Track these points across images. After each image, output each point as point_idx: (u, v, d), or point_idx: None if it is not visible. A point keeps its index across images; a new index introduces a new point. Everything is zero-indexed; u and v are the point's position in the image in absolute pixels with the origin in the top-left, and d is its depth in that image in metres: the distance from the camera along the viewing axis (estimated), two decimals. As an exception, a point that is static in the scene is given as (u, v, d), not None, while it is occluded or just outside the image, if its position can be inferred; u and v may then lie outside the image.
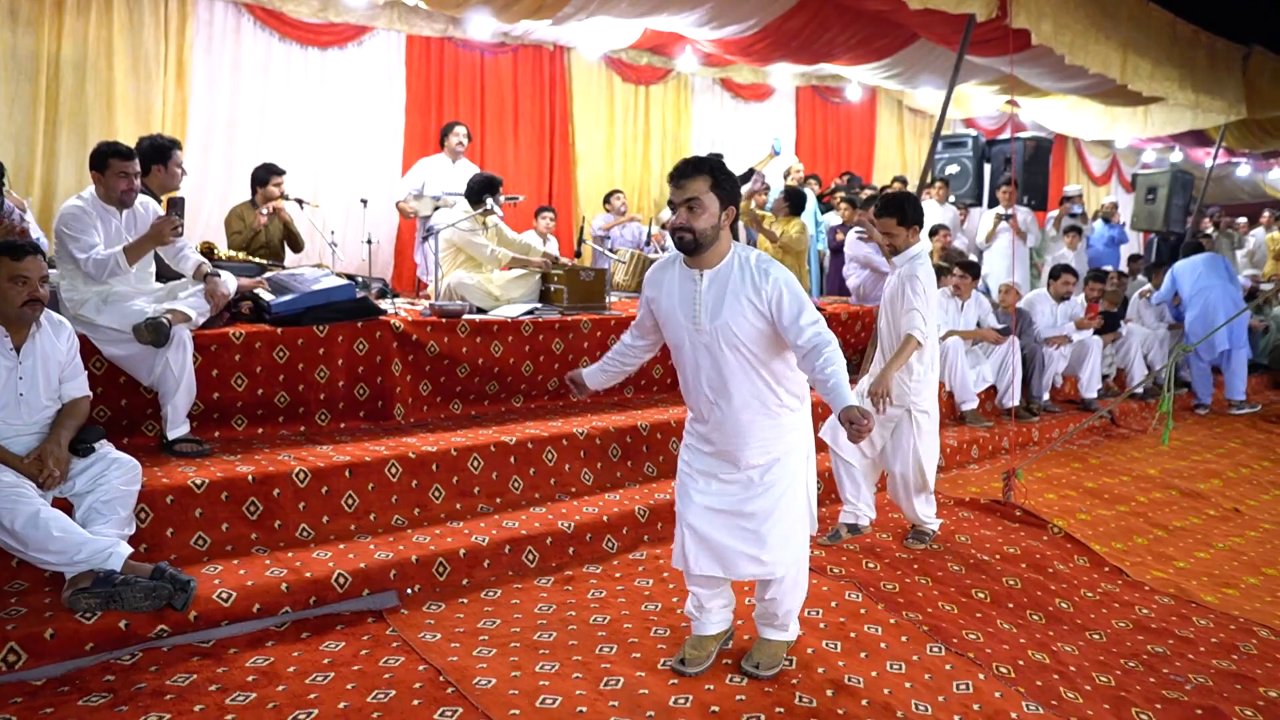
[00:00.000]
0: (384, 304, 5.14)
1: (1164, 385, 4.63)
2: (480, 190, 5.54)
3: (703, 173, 2.65)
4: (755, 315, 2.67)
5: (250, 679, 2.79)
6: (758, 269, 2.69)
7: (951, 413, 6.56)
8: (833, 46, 6.83)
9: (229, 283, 4.18)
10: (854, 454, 4.23)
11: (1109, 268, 9.41)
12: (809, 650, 3.17)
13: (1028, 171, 9.20)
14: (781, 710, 2.79)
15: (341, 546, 3.52)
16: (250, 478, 3.53)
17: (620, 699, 2.79)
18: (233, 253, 5.79)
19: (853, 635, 3.33)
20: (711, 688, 2.89)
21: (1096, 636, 3.63)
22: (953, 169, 9.33)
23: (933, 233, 8.26)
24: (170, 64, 6.45)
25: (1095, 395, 7.06)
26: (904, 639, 3.36)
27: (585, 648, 3.11)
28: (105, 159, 3.90)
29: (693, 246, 2.66)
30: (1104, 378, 7.45)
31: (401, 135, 7.69)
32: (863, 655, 3.20)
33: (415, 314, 4.99)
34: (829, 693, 2.92)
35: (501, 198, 5.75)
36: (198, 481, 3.41)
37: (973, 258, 8.41)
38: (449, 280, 5.50)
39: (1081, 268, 8.70)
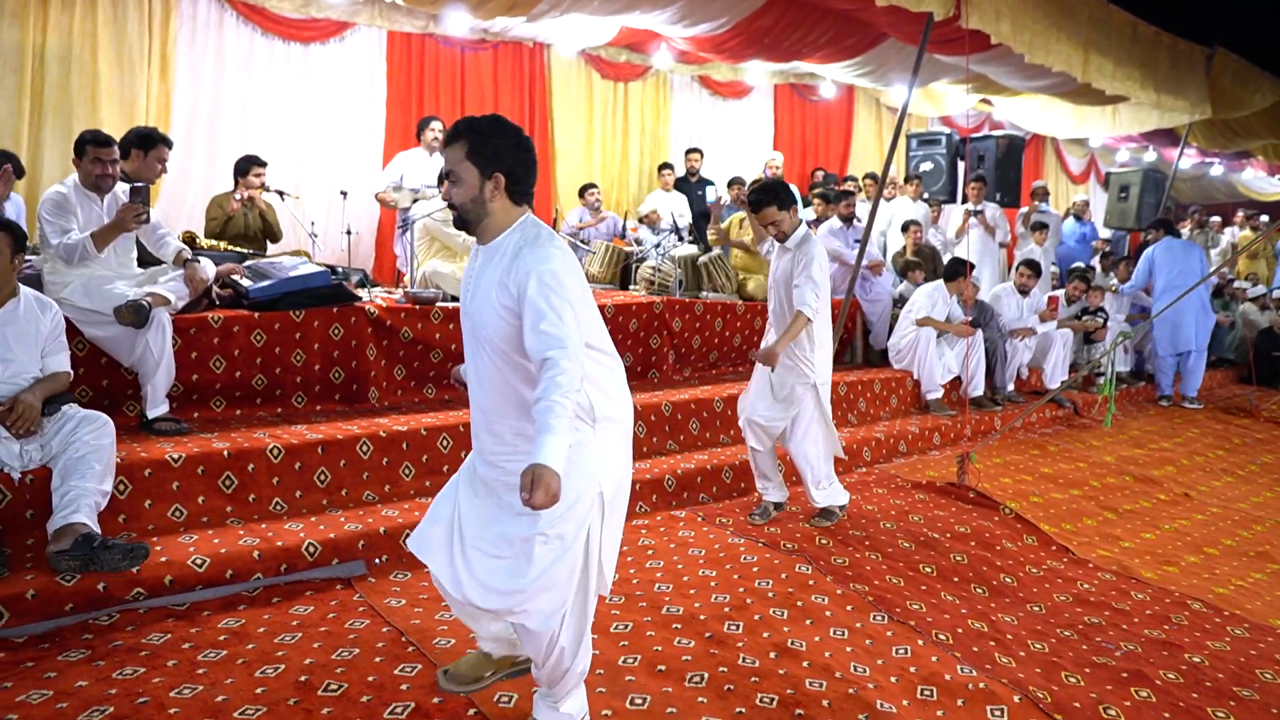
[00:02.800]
0: (362, 293, 5.28)
1: (1107, 370, 4.81)
2: (441, 179, 5.71)
3: (459, 140, 2.24)
4: (501, 306, 2.20)
5: (222, 638, 2.94)
6: (514, 251, 2.22)
7: (916, 401, 6.75)
8: (803, 45, 7.00)
9: (208, 268, 4.32)
10: (759, 442, 4.37)
11: (1080, 263, 9.62)
12: (755, 617, 3.34)
13: (1000, 169, 9.38)
14: (725, 669, 2.96)
15: (313, 519, 3.68)
16: (226, 453, 3.68)
17: (572, 658, 2.95)
18: (213, 241, 5.93)
19: (799, 604, 3.50)
20: (660, 649, 3.05)
21: (1036, 608, 3.81)
22: (927, 166, 9.51)
23: (905, 228, 8.47)
24: (154, 57, 6.57)
25: (1060, 386, 7.26)
26: (849, 608, 3.53)
27: (543, 613, 3.27)
28: (83, 145, 4.07)
29: (459, 222, 2.32)
30: (1072, 369, 7.64)
31: (383, 129, 7.81)
32: (807, 622, 3.37)
33: (391, 301, 5.14)
34: (772, 655, 3.09)
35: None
36: (175, 456, 3.56)
37: (952, 254, 8.62)
38: (424, 269, 5.65)
39: (1047, 263, 8.92)
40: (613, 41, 8.39)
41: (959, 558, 4.18)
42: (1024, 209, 10.14)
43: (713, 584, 3.62)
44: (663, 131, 9.84)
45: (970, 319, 6.85)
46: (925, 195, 9.33)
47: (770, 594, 3.56)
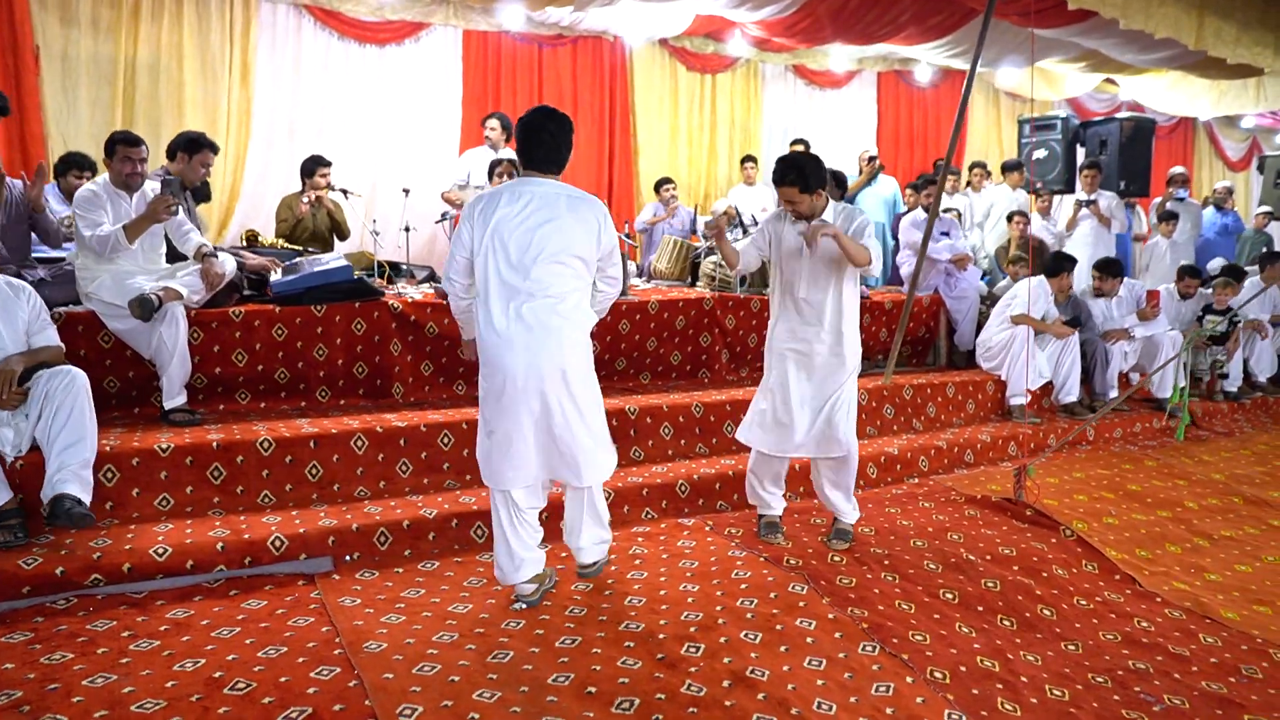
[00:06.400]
0: (415, 288, 5.30)
1: (1176, 375, 4.18)
2: (491, 174, 5.67)
3: None
4: None
5: (163, 629, 2.94)
6: None
7: (999, 407, 6.17)
8: (882, 24, 6.53)
9: (226, 263, 4.42)
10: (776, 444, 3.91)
11: (1220, 260, 8.58)
12: (721, 639, 3.06)
13: (1125, 155, 8.46)
14: (663, 697, 2.70)
15: (293, 513, 3.67)
16: (215, 445, 3.72)
17: (500, 672, 2.78)
18: (276, 240, 6.13)
19: (778, 627, 3.18)
20: (599, 669, 2.83)
21: (1071, 648, 3.33)
22: (1040, 153, 8.70)
23: (1009, 219, 7.81)
24: (235, 65, 6.88)
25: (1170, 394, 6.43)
26: (837, 635, 3.18)
27: (493, 622, 3.11)
28: (113, 145, 4.24)
29: None
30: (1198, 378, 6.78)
31: (459, 128, 7.89)
32: (782, 648, 3.05)
33: (430, 296, 5.12)
34: (725, 683, 2.80)
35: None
36: (163, 446, 3.63)
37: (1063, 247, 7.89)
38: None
39: (1179, 257, 7.99)
40: (691, 31, 8.16)
41: (991, 584, 3.72)
42: (1158, 199, 9.16)
43: (690, 600, 3.35)
44: (754, 124, 9.51)
45: (1066, 318, 6.19)
46: (1039, 185, 8.57)
47: (749, 615, 3.25)
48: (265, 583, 3.32)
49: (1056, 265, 6.25)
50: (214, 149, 4.87)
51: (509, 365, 3.04)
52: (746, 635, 3.10)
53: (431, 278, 6.34)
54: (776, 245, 3.89)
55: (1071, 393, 6.11)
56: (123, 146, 4.23)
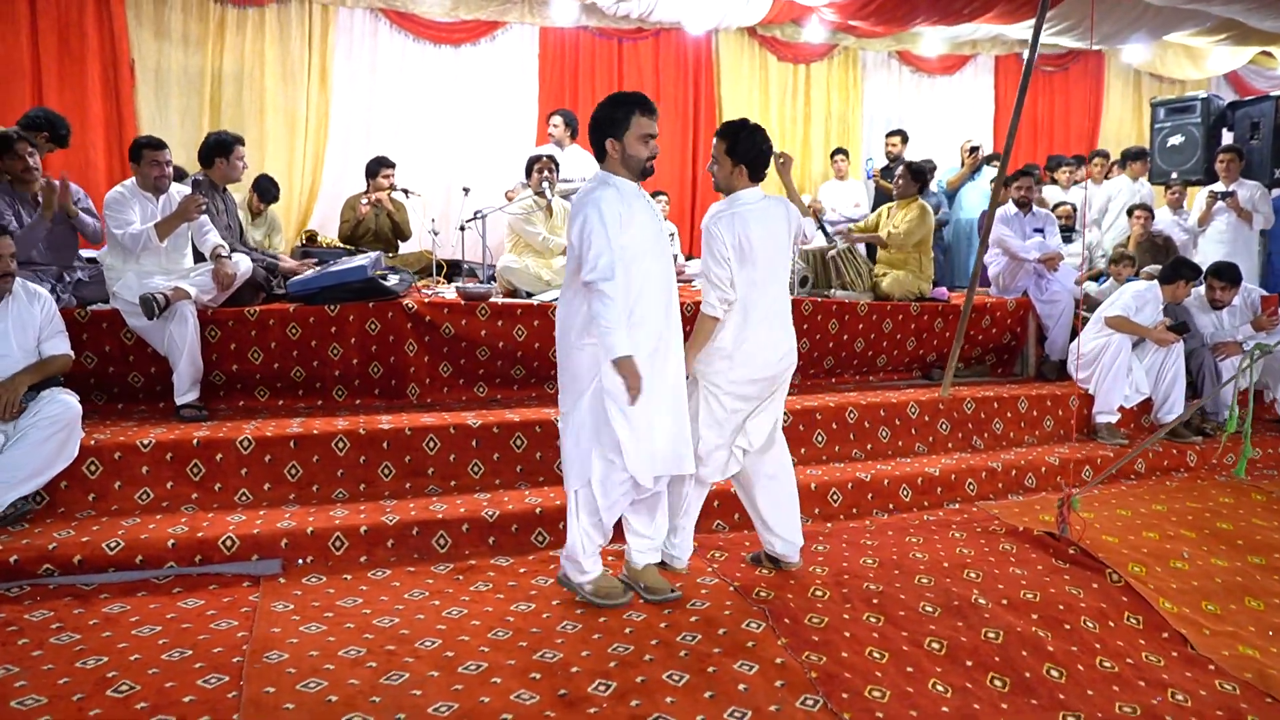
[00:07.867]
0: (449, 288, 5.32)
1: (1233, 400, 3.49)
2: (530, 170, 5.57)
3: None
4: None
5: (91, 623, 2.99)
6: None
7: (1082, 425, 5.47)
8: (963, 0, 5.94)
9: (240, 264, 4.52)
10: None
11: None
12: (639, 679, 2.79)
13: (1280, 139, 7.38)
14: (543, 737, 2.49)
15: (260, 513, 3.68)
16: (195, 441, 3.80)
17: (386, 695, 2.64)
18: (332, 240, 6.29)
19: (711, 670, 2.87)
20: (488, 700, 2.64)
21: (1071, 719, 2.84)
22: (1176, 140, 7.72)
23: (1129, 213, 6.98)
24: (314, 70, 7.14)
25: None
26: (778, 684, 2.84)
27: (410, 639, 2.98)
28: (140, 150, 4.43)
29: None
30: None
31: (535, 127, 7.86)
32: (707, 694, 2.75)
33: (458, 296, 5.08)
34: (624, 729, 2.55)
35: (558, 180, 5.73)
36: (145, 441, 3.74)
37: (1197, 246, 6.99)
38: (498, 265, 5.56)
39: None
40: (774, 18, 7.75)
41: (992, 634, 3.24)
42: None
43: (627, 630, 3.10)
44: (853, 116, 8.98)
45: (1169, 323, 5.41)
46: (1173, 175, 7.61)
47: (683, 652, 2.97)
48: (211, 582, 3.34)
49: (1173, 271, 5.47)
50: (240, 140, 5.03)
51: None
52: (670, 676, 2.82)
53: (493, 278, 6.32)
54: None
55: (1174, 411, 5.33)
56: (148, 150, 4.42)
